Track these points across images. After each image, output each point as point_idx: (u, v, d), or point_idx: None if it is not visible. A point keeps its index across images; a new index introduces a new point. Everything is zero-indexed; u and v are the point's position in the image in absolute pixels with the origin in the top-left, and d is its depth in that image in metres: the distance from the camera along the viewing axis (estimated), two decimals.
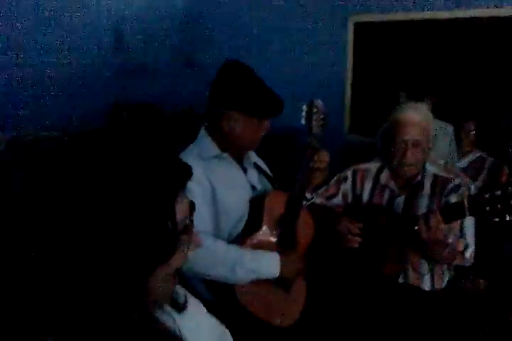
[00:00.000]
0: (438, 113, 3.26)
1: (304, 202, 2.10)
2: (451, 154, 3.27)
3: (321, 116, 1.97)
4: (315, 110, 1.96)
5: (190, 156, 1.93)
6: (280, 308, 1.97)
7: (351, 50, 5.07)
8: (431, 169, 2.18)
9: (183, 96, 5.63)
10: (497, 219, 1.72)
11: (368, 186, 2.29)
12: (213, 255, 1.79)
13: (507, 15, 4.21)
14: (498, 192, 1.70)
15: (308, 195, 2.13)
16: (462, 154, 3.99)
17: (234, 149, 2.00)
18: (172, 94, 5.66)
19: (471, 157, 4.19)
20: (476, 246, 3.08)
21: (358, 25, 5.00)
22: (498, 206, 1.69)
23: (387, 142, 2.16)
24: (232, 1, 5.86)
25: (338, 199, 2.36)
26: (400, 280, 2.13)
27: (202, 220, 1.82)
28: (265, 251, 1.88)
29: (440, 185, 2.15)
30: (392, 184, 2.21)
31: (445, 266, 2.19)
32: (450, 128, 3.28)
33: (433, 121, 3.17)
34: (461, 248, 2.05)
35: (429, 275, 2.14)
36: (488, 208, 1.71)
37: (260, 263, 1.84)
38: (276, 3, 5.47)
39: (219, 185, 1.92)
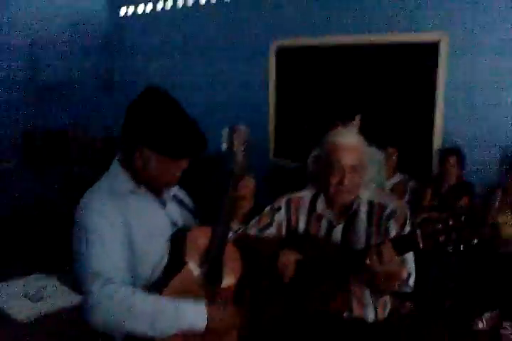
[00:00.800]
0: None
1: (231, 234, 1.97)
2: (380, 182, 3.26)
3: (244, 142, 1.88)
4: (237, 135, 1.87)
5: (100, 192, 1.75)
6: None
7: (274, 75, 5.08)
8: (365, 195, 2.12)
9: (104, 119, 5.47)
10: (451, 250, 1.67)
11: (303, 216, 2.19)
12: (129, 309, 1.58)
13: (424, 40, 4.34)
14: (451, 222, 1.65)
15: (235, 226, 2.01)
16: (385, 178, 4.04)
17: (149, 185, 1.82)
18: (91, 117, 5.46)
19: (393, 180, 4.27)
20: None
21: (280, 50, 5.03)
22: (453, 235, 1.64)
23: (321, 168, 2.10)
24: (156, 22, 5.78)
25: (271, 230, 2.22)
26: (345, 314, 2.06)
27: (115, 267, 1.64)
28: (189, 302, 1.70)
29: (376, 211, 2.09)
30: (328, 213, 2.13)
31: (387, 297, 2.14)
32: (380, 156, 3.28)
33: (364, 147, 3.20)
34: (405, 276, 1.99)
35: (372, 306, 2.08)
36: (441, 239, 1.66)
37: (184, 317, 1.65)
38: (200, 26, 5.43)
39: (135, 223, 1.73)
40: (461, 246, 1.64)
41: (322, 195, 2.14)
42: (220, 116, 5.21)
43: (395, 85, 4.53)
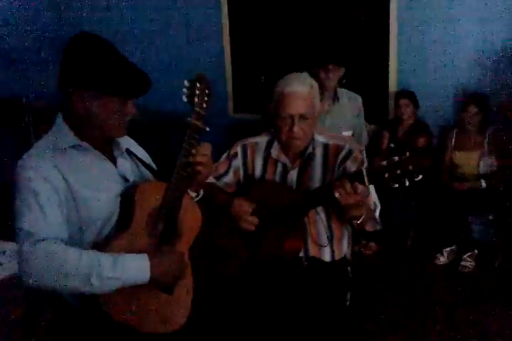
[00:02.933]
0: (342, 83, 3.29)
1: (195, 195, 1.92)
2: (359, 126, 3.30)
3: (205, 91, 1.76)
4: (198, 85, 1.75)
5: (41, 148, 1.67)
6: (161, 313, 1.73)
7: (227, 27, 5.01)
8: (320, 139, 2.16)
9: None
10: (396, 185, 1.71)
11: (259, 161, 2.23)
12: (61, 265, 1.50)
13: None
14: (396, 158, 1.70)
15: (193, 194, 1.91)
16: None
17: (96, 137, 1.72)
18: (42, 86, 5.30)
19: None
20: None
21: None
22: (397, 172, 1.69)
23: (273, 116, 2.11)
24: None
25: (229, 177, 2.26)
26: (301, 254, 2.13)
27: (49, 226, 1.56)
28: (131, 254, 1.60)
29: (332, 153, 2.14)
30: (283, 158, 2.17)
31: (344, 237, 2.22)
32: (359, 99, 3.30)
33: (342, 91, 3.21)
34: (372, 206, 2.06)
35: (328, 246, 2.16)
36: (386, 175, 1.71)
37: (124, 270, 1.55)
38: None
39: (77, 180, 1.65)
40: (406, 181, 1.69)
41: (277, 141, 2.18)
42: (174, 73, 5.16)
43: (349, 29, 4.51)
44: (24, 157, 1.65)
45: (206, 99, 1.76)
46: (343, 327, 2.13)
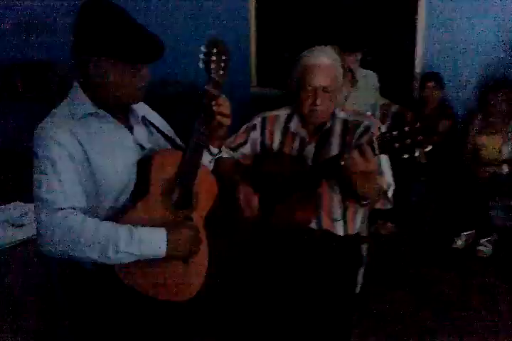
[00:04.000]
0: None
1: (211, 158, 1.92)
2: (375, 103, 3.26)
3: (222, 58, 1.71)
4: (215, 50, 1.69)
5: (58, 117, 1.66)
6: (175, 282, 1.73)
7: (254, 1, 4.95)
8: (340, 115, 2.15)
9: None
10: (406, 156, 1.70)
11: (277, 134, 2.23)
12: (78, 236, 1.51)
13: None
14: (406, 128, 1.68)
15: (215, 150, 1.92)
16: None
17: (112, 104, 1.70)
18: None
19: None
20: None
21: None
22: (407, 141, 1.68)
23: (295, 89, 2.10)
24: None
25: (246, 149, 2.28)
26: (314, 226, 2.14)
27: (67, 195, 1.56)
28: (148, 229, 1.60)
29: (351, 129, 2.13)
30: (302, 131, 2.17)
31: (359, 212, 2.22)
32: (374, 77, 3.26)
33: (358, 70, 3.18)
34: (385, 186, 2.05)
35: (341, 220, 2.16)
36: (397, 145, 1.70)
37: (140, 245, 1.56)
38: None
39: (94, 148, 1.64)
40: (416, 152, 1.68)
41: (296, 114, 2.17)
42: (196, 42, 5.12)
43: (376, 9, 4.45)
44: (41, 125, 1.65)
45: (223, 65, 1.71)
46: (351, 302, 2.16)
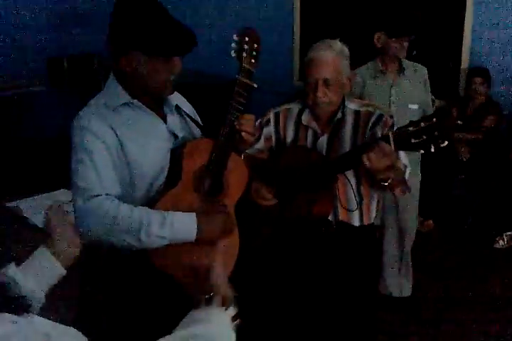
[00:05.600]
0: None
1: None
2: (425, 99, 3.19)
3: (254, 46, 1.71)
4: (246, 39, 1.70)
5: (94, 107, 1.71)
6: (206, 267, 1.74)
7: None
8: (351, 106, 2.16)
9: None
10: (422, 151, 1.71)
11: (290, 127, 2.24)
12: (113, 221, 1.57)
13: None
14: (422, 124, 1.69)
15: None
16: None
17: (145, 95, 1.73)
18: None
19: None
20: (424, 186, 3.19)
21: None
22: (423, 137, 1.69)
23: (304, 82, 2.14)
24: None
25: (260, 144, 2.28)
26: (330, 217, 2.16)
27: (103, 182, 1.62)
28: (180, 213, 1.65)
29: (363, 119, 2.14)
30: (313, 124, 2.18)
31: (373, 202, 2.23)
32: (424, 71, 3.19)
33: (407, 63, 3.14)
34: (402, 167, 2.05)
35: (357, 211, 2.17)
36: (413, 140, 1.70)
37: (172, 229, 1.61)
38: None
39: (128, 137, 1.68)
40: (432, 147, 1.68)
41: (307, 108, 2.18)
42: None
43: (424, 3, 4.38)
44: (78, 116, 1.69)
45: (255, 54, 1.72)
46: (374, 293, 2.19)
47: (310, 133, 2.19)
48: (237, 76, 1.71)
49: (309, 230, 2.18)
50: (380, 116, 2.11)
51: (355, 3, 4.68)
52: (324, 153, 2.15)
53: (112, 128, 1.65)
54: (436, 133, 1.67)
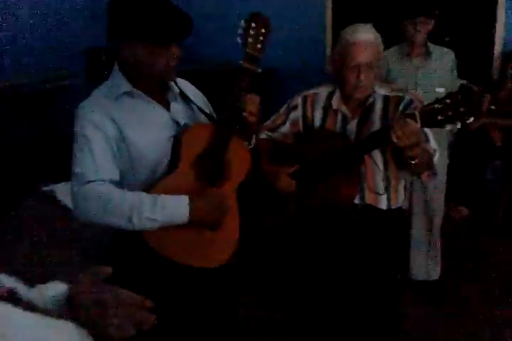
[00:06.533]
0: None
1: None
2: (452, 82, 3.17)
3: (262, 31, 1.67)
4: (253, 25, 1.67)
5: (95, 97, 1.74)
6: (203, 249, 1.76)
7: None
8: (380, 92, 2.16)
9: None
10: (448, 127, 1.73)
11: (318, 111, 2.24)
12: (106, 205, 1.60)
13: None
14: (448, 101, 1.70)
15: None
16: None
17: (146, 83, 1.74)
18: None
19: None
20: (457, 172, 3.18)
21: None
22: (449, 113, 1.70)
23: (338, 66, 2.11)
24: None
25: (285, 128, 2.30)
26: (357, 201, 2.16)
27: (99, 168, 1.65)
28: (172, 196, 1.65)
29: (392, 104, 2.14)
30: (343, 108, 2.17)
31: (401, 185, 2.23)
32: (451, 55, 3.17)
33: (433, 47, 3.13)
34: (431, 151, 2.05)
35: (385, 194, 2.16)
36: (439, 117, 1.72)
37: (163, 210, 1.62)
38: None
39: (128, 126, 1.69)
40: (458, 123, 1.69)
41: (338, 91, 2.18)
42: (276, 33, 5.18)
43: None
44: (80, 106, 1.72)
45: (261, 38, 1.69)
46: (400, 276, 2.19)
47: (339, 117, 2.19)
48: (240, 62, 1.69)
49: (334, 215, 2.19)
50: (411, 100, 2.12)
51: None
52: (353, 137, 2.15)
53: (112, 118, 1.68)
54: (461, 109, 1.68)
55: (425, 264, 3.20)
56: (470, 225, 4.04)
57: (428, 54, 3.10)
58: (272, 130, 2.32)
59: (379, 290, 2.21)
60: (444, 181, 3.19)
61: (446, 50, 3.18)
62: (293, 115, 2.29)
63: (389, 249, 2.22)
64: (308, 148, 2.20)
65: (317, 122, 2.24)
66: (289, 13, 5.14)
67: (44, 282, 1.00)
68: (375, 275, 2.19)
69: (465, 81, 4.02)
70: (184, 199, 1.65)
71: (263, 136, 2.31)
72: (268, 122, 2.33)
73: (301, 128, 2.29)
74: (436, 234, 3.21)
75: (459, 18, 4.29)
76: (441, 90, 3.03)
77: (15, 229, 3.50)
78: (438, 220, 3.21)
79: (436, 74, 3.08)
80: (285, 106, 2.32)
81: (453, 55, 3.17)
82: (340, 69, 2.09)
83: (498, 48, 4.25)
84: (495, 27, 4.22)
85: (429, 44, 3.11)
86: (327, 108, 2.22)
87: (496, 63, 4.24)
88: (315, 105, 2.25)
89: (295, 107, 2.29)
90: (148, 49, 1.64)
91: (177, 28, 1.64)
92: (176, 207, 1.64)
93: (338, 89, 2.18)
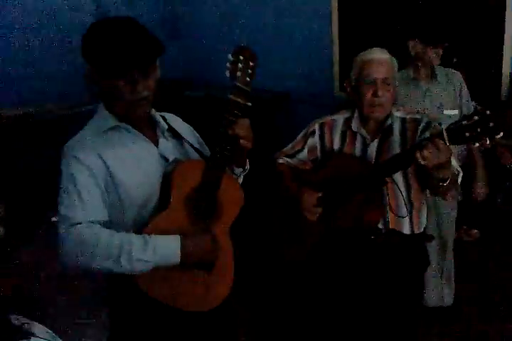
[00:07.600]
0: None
1: (240, 170, 1.93)
2: (464, 104, 3.13)
3: (249, 64, 1.67)
4: (241, 58, 1.66)
5: (82, 134, 1.71)
6: (197, 292, 1.73)
7: (336, 4, 4.95)
8: (397, 114, 2.20)
9: (168, 67, 5.56)
10: (477, 144, 1.73)
11: (336, 136, 2.27)
12: (94, 247, 1.53)
13: None
14: (476, 117, 1.69)
15: (237, 170, 1.92)
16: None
17: (131, 118, 1.70)
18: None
19: None
20: (468, 195, 3.14)
21: None
22: (478, 130, 1.68)
23: (355, 86, 2.16)
24: None
25: (303, 154, 2.35)
26: (380, 225, 2.15)
27: (87, 210, 1.60)
28: (163, 236, 1.61)
29: (410, 126, 2.16)
30: (362, 131, 2.21)
31: (423, 209, 2.22)
32: (458, 76, 3.16)
33: (439, 69, 3.13)
34: (455, 170, 2.04)
35: (408, 218, 2.15)
36: (467, 134, 1.70)
37: (154, 252, 1.56)
38: None
39: (116, 162, 1.66)
40: (487, 139, 1.68)
41: (356, 115, 2.20)
42: (282, 51, 5.20)
43: (462, 9, 4.32)
44: (67, 144, 1.69)
45: (250, 71, 1.68)
46: (418, 303, 2.17)
47: (359, 140, 2.22)
48: (229, 95, 1.67)
49: (357, 240, 2.19)
50: (429, 122, 2.14)
51: (391, 13, 4.66)
52: (373, 159, 2.16)
53: (99, 155, 1.65)
54: (491, 124, 1.67)
55: (439, 289, 3.15)
56: (482, 248, 3.98)
57: (434, 76, 3.09)
58: (290, 156, 2.35)
59: (397, 318, 2.21)
60: (456, 206, 3.14)
61: (452, 71, 3.18)
62: (310, 141, 2.32)
63: (410, 275, 2.21)
64: (329, 173, 2.21)
65: (336, 146, 2.26)
66: (296, 38, 5.17)
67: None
68: (394, 304, 2.18)
69: (473, 102, 4.03)
70: (176, 239, 1.62)
71: (281, 161, 2.33)
72: (286, 148, 2.38)
73: (318, 154, 2.31)
74: (448, 258, 3.16)
75: (467, 39, 4.28)
76: (451, 112, 3.01)
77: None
78: (450, 244, 3.17)
79: (442, 96, 3.06)
80: (302, 132, 2.35)
81: (459, 75, 3.16)
82: (357, 87, 2.13)
83: (506, 68, 4.22)
84: (503, 49, 4.20)
85: (435, 66, 3.11)
86: (345, 132, 2.25)
87: (505, 83, 4.21)
88: (333, 130, 2.28)
89: (312, 133, 2.32)
90: (109, 82, 1.60)
91: (128, 57, 1.55)
92: (167, 248, 1.60)
93: (356, 111, 2.19)
